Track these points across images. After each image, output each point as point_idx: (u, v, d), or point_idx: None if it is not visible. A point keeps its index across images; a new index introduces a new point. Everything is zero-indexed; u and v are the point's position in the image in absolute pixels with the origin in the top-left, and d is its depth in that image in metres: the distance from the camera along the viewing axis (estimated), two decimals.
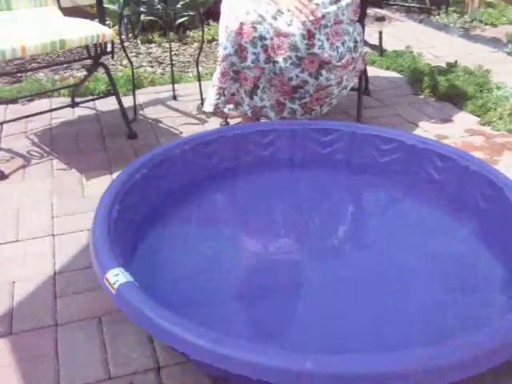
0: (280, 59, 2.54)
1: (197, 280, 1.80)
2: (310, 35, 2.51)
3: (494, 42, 4.67)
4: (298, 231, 2.15)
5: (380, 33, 4.29)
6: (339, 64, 2.60)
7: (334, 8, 2.60)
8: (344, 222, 2.23)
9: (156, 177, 2.11)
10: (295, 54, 2.53)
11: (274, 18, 2.52)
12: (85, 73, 3.69)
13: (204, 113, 2.97)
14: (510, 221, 1.88)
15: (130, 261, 1.76)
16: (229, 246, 2.01)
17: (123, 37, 4.72)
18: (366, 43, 4.44)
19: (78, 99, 3.33)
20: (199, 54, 3.41)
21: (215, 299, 1.73)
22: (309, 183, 2.44)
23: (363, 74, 3.20)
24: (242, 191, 2.37)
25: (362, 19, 3.01)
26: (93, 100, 3.30)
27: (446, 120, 3.17)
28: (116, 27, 4.60)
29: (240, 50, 2.55)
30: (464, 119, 3.18)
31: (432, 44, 4.76)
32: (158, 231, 2.02)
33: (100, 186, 2.48)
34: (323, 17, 2.54)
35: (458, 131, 3.02)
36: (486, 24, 5.42)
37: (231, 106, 2.75)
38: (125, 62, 4.20)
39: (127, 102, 3.23)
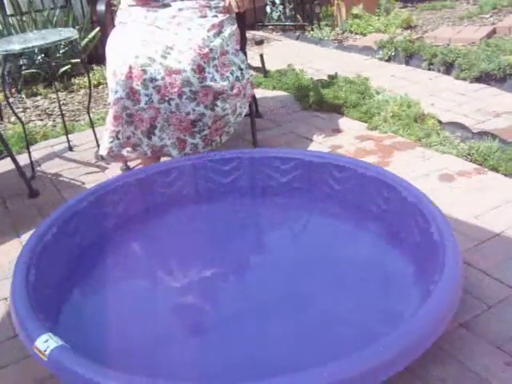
0: (175, 96, 2.59)
1: (126, 330, 1.80)
2: (200, 69, 2.59)
3: (366, 50, 4.96)
4: (216, 263, 2.19)
5: (261, 55, 4.44)
6: (233, 93, 2.69)
7: (218, 41, 2.71)
8: (259, 244, 2.31)
9: (67, 234, 2.09)
10: (189, 88, 2.59)
11: (164, 57, 2.58)
12: None
13: (102, 159, 2.96)
14: (410, 219, 2.02)
15: (57, 323, 1.75)
16: (152, 291, 2.03)
17: (7, 93, 4.61)
18: (249, 66, 4.56)
19: None
20: (89, 102, 3.40)
21: (146, 347, 1.74)
22: (219, 214, 2.50)
23: (252, 98, 3.32)
24: (156, 234, 2.38)
25: (243, 47, 3.14)
26: None
27: (337, 130, 3.34)
28: None
29: (132, 93, 2.58)
30: (353, 127, 3.37)
31: (311, 59, 4.98)
32: (78, 288, 2.01)
33: (9, 251, 2.42)
34: (211, 50, 2.64)
35: (349, 139, 3.20)
36: (356, 34, 5.75)
37: (129, 148, 2.77)
38: (13, 118, 4.10)
39: (22, 160, 3.17)
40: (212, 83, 2.61)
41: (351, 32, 5.83)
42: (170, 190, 2.55)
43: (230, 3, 2.84)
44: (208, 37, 2.68)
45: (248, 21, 5.96)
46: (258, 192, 2.53)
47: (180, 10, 2.77)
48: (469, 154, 2.85)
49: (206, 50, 2.61)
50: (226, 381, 1.60)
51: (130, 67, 2.54)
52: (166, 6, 2.79)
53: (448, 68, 4.22)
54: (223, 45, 2.72)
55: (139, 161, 3.04)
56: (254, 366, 1.64)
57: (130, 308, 1.90)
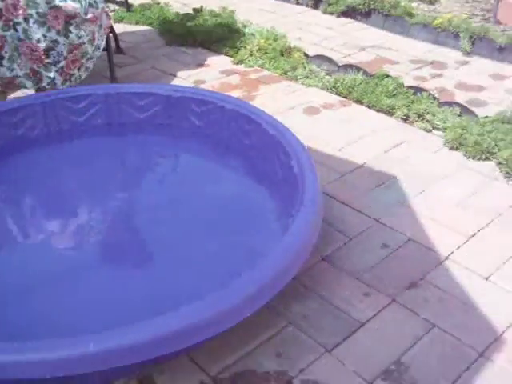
0: (20, 19, 2.31)
1: None
2: None
3: None
4: (66, 206, 2.01)
5: None
6: (87, 18, 2.45)
7: None
8: (116, 185, 2.14)
9: None
10: (35, 10, 2.31)
11: None
12: None
13: None
14: (271, 152, 1.94)
15: None
16: None
17: None
18: (112, 0, 4.28)
19: None
20: None
21: None
22: (72, 155, 2.29)
23: (111, 31, 3.08)
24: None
25: None
26: None
27: (202, 65, 3.19)
28: None
29: None
30: (218, 61, 3.23)
31: None
32: None
33: None
34: None
35: (214, 74, 3.06)
36: None
37: None
38: None
39: None
40: (62, 4, 2.34)
41: None
42: (17, 131, 2.30)
43: None
44: None
45: None
46: (115, 130, 2.34)
47: None
48: (334, 87, 2.81)
49: None
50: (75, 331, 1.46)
51: None
52: None
53: (316, 2, 4.15)
54: None
55: None
56: (109, 312, 1.51)
57: None
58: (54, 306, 1.56)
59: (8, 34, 2.34)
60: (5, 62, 2.41)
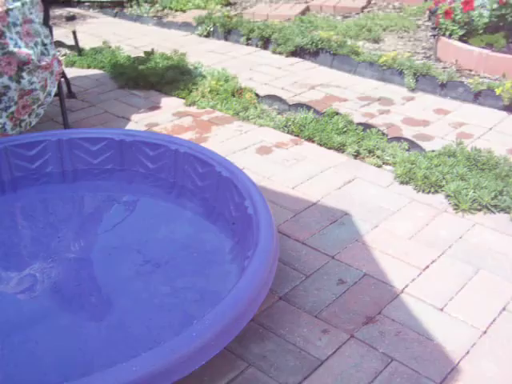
0: None
1: None
2: None
3: (186, 26, 4.86)
4: (19, 256, 1.98)
5: (74, 32, 4.15)
6: (40, 64, 2.44)
7: (18, 4, 2.42)
8: (68, 232, 2.12)
9: None
10: None
11: None
12: None
13: None
14: (226, 194, 1.96)
15: None
16: None
17: None
18: (63, 45, 4.29)
19: None
20: None
21: None
22: (25, 204, 2.26)
23: (62, 76, 3.08)
24: None
25: (46, 21, 2.86)
26: None
27: (154, 108, 3.21)
28: None
29: None
30: (170, 104, 3.25)
31: (129, 36, 4.77)
32: None
33: None
34: (7, 13, 2.35)
35: (166, 116, 3.08)
36: (176, 10, 5.63)
37: None
38: None
39: None
40: (15, 49, 2.33)
41: (171, 9, 5.68)
42: None
43: None
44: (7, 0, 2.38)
45: None
46: (68, 177, 2.33)
47: None
48: (286, 126, 2.87)
49: (2, 10, 2.32)
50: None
51: None
52: None
53: (265, 43, 4.25)
54: (25, 11, 2.43)
55: None
56: (64, 365, 1.49)
57: None
58: (9, 356, 1.53)
59: None
60: None
